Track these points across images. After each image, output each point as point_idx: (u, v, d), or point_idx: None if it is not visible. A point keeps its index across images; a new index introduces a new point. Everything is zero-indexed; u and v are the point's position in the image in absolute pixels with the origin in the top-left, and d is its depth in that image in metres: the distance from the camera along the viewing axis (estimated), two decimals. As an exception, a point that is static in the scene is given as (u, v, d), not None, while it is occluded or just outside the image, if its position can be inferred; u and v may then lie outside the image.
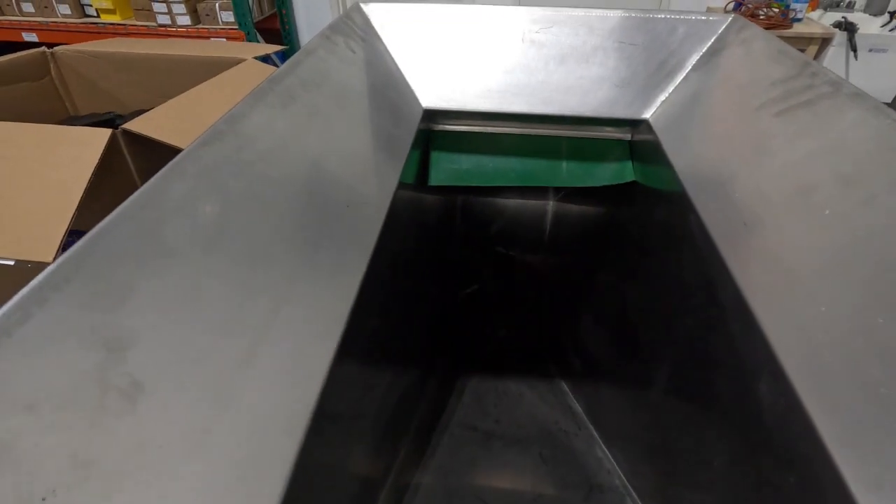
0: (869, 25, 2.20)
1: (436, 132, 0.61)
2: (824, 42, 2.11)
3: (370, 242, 0.36)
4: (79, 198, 0.59)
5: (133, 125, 0.67)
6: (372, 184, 0.41)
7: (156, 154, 0.69)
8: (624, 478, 0.57)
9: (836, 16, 2.19)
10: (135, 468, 0.19)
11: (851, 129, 0.35)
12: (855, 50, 2.09)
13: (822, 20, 2.23)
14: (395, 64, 0.56)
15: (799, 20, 2.16)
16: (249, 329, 0.25)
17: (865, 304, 0.27)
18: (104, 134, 0.65)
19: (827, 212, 0.32)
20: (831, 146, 0.36)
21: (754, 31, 0.51)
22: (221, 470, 0.21)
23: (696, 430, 0.42)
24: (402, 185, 0.46)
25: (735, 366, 0.34)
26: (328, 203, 0.35)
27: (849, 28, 2.11)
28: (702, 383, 0.41)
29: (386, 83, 0.53)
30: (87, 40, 1.25)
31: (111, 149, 0.66)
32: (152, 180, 0.26)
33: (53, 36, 2.25)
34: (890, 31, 2.20)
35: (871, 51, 2.16)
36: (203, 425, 0.21)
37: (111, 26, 2.25)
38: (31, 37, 2.27)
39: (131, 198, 0.25)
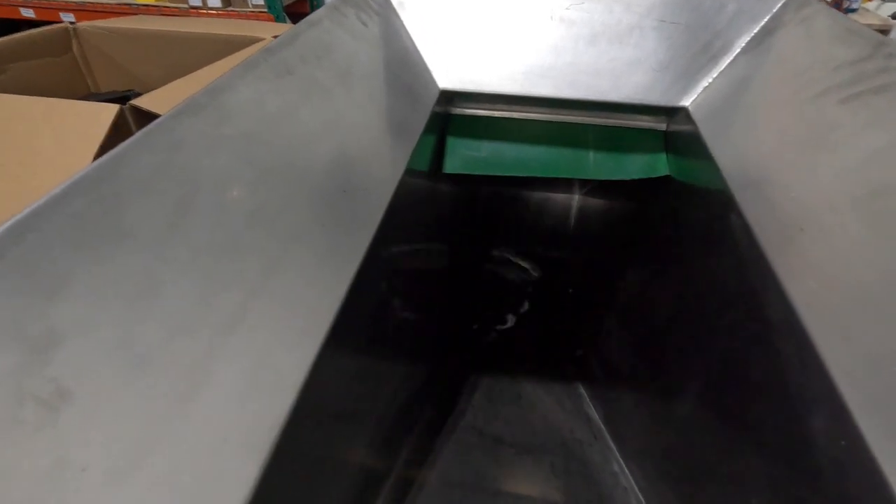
0: (930, 17, 2.04)
1: (453, 116, 0.57)
2: (881, 34, 1.97)
3: (369, 232, 0.33)
4: (82, 175, 0.57)
5: (142, 101, 0.65)
6: (375, 169, 0.38)
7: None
8: (641, 498, 0.53)
9: (894, 6, 2.04)
10: (48, 495, 0.16)
11: (939, 119, 0.30)
12: (915, 43, 1.95)
13: (879, 11, 2.08)
14: (412, 39, 0.52)
15: (854, 10, 2.02)
16: (211, 328, 0.22)
17: (956, 332, 0.22)
18: (111, 109, 0.63)
19: (905, 217, 0.27)
20: (912, 139, 0.30)
21: (816, 7, 0.45)
22: (160, 499, 0.17)
23: (730, 457, 0.37)
24: (411, 171, 0.42)
25: (782, 392, 0.29)
26: (322, 187, 0.32)
27: (908, 20, 1.96)
28: (740, 405, 0.36)
29: (399, 60, 0.49)
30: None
31: (119, 126, 0.64)
32: (112, 152, 0.23)
33: (89, 16, 2.28)
34: (953, 23, 2.04)
35: (932, 45, 2.00)
36: (142, 443, 0.18)
37: (143, 7, 2.27)
38: (68, 17, 2.31)
39: (84, 170, 0.22)
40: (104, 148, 0.60)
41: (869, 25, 1.95)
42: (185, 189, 0.25)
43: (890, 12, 2.01)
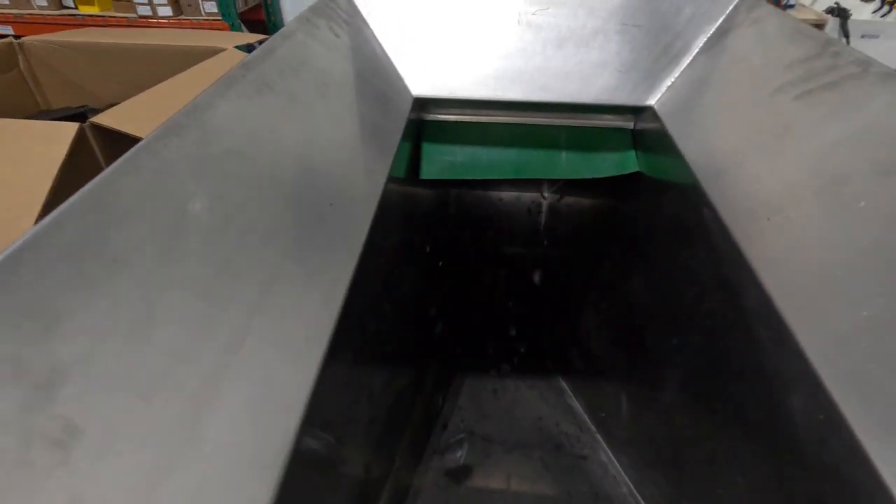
0: (861, 11, 2.18)
1: (427, 122, 0.57)
2: (817, 28, 2.09)
3: (358, 242, 0.33)
4: (43, 198, 0.54)
5: (103, 118, 0.63)
6: (359, 179, 0.38)
7: (129, 150, 0.65)
8: (631, 485, 0.55)
9: (829, 1, 2.17)
10: (66, 536, 0.15)
11: (885, 111, 0.32)
12: (847, 36, 2.07)
13: (814, 6, 2.20)
14: (383, 49, 0.52)
15: (791, 6, 2.14)
16: (214, 351, 0.22)
17: (915, 308, 0.24)
18: (71, 128, 0.60)
19: (862, 204, 0.29)
20: (862, 131, 0.32)
21: (767, 9, 0.48)
22: (178, 528, 0.17)
23: (715, 440, 0.39)
24: (392, 179, 0.42)
25: (762, 374, 0.31)
26: (310, 202, 0.32)
27: (841, 14, 2.09)
28: (721, 389, 0.38)
29: (373, 70, 0.49)
30: (62, 32, 1.19)
31: (79, 145, 0.62)
32: (97, 180, 0.23)
33: (29, 28, 2.17)
34: (881, 17, 2.18)
35: (863, 37, 2.14)
36: (155, 474, 0.18)
37: (90, 18, 2.18)
38: (5, 29, 2.19)
39: (71, 199, 0.22)
40: (65, 168, 0.58)
41: (805, 20, 2.07)
42: (175, 212, 0.24)
43: (824, 7, 2.14)
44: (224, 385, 0.21)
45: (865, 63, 0.35)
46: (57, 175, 0.58)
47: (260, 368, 0.23)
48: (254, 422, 0.21)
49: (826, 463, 0.25)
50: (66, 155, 0.58)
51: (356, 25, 0.52)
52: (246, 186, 0.28)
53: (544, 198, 0.81)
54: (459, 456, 0.64)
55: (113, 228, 0.22)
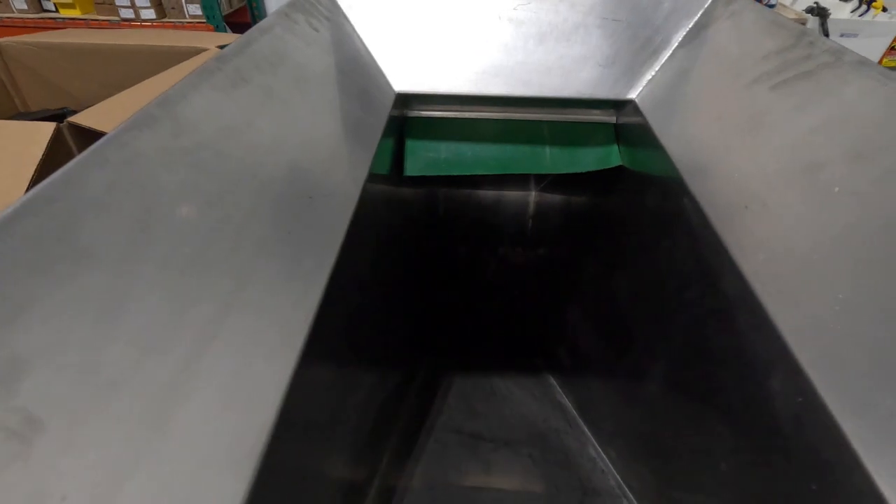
0: (840, 10, 2.22)
1: (410, 119, 0.57)
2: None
3: (338, 238, 0.32)
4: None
5: (80, 118, 0.62)
6: (339, 174, 0.37)
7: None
8: (619, 478, 0.55)
9: (809, 1, 2.20)
10: (25, 531, 0.15)
11: (858, 99, 0.32)
12: (827, 35, 2.11)
13: (794, 6, 2.24)
14: (364, 44, 0.52)
15: (773, 6, 2.17)
16: (185, 344, 0.21)
17: (888, 289, 0.24)
18: (48, 128, 0.59)
19: (836, 189, 0.30)
20: (836, 119, 0.33)
21: (743, 2, 0.48)
22: (145, 522, 0.17)
23: (699, 428, 0.39)
24: (373, 176, 0.42)
25: (742, 360, 0.31)
26: (287, 196, 0.31)
27: (821, 13, 2.13)
28: (703, 378, 0.38)
29: (353, 65, 0.49)
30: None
31: (57, 145, 0.61)
32: (62, 171, 0.22)
33: (9, 32, 2.13)
34: (860, 16, 2.22)
35: (842, 36, 2.18)
36: (122, 467, 0.17)
37: (71, 21, 2.15)
38: (-17, 32, 2.15)
39: (35, 189, 0.21)
40: (42, 169, 0.57)
41: (787, 19, 2.10)
42: (144, 204, 0.24)
43: (804, 7, 2.17)
44: (195, 379, 0.21)
45: (839, 52, 0.36)
46: (33, 176, 0.57)
47: (233, 363, 0.22)
48: (226, 417, 0.21)
49: (805, 443, 0.25)
50: (43, 155, 0.57)
51: (336, 21, 0.51)
52: (220, 180, 0.28)
53: (531, 194, 0.81)
54: (447, 454, 0.63)
55: (79, 219, 0.21)
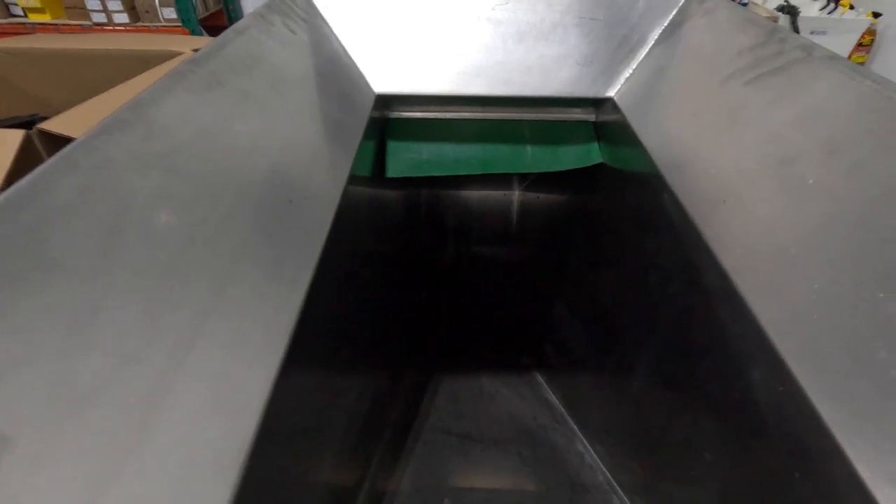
0: (809, 8, 2.28)
1: (391, 120, 0.57)
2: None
3: (319, 240, 0.32)
4: (-13, 209, 0.51)
5: (50, 125, 0.60)
6: (319, 177, 0.37)
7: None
8: (608, 473, 0.55)
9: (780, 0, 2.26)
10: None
11: (828, 93, 0.33)
12: (797, 32, 2.16)
13: (766, 4, 2.29)
14: (342, 45, 0.52)
15: (745, 4, 2.22)
16: (163, 352, 0.21)
17: (863, 278, 0.25)
18: (17, 135, 0.57)
19: (811, 181, 0.30)
20: (808, 112, 0.33)
21: (717, 1, 0.49)
22: (124, 537, 0.16)
23: (684, 421, 0.40)
24: (355, 178, 0.42)
25: (724, 352, 0.32)
26: (266, 200, 0.31)
27: (791, 11, 2.18)
28: (688, 371, 0.38)
29: (332, 66, 0.48)
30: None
31: (27, 153, 0.59)
32: (31, 175, 0.21)
33: (-26, 38, 2.07)
34: (828, 13, 2.28)
35: (812, 33, 2.23)
36: (101, 479, 0.17)
37: (41, 26, 2.10)
38: (-52, 40, 2.08)
39: (2, 197, 0.20)
40: (11, 178, 0.55)
41: (759, 17, 2.14)
42: (116, 210, 0.23)
43: (776, 5, 2.22)
44: (175, 387, 0.20)
45: (809, 48, 0.37)
46: (2, 185, 0.55)
47: (214, 369, 0.22)
48: (208, 425, 0.20)
49: (787, 432, 0.26)
50: (12, 163, 0.56)
51: (313, 22, 0.51)
52: (195, 184, 0.27)
53: (515, 193, 0.81)
54: (436, 455, 0.63)
55: (49, 226, 0.21)
